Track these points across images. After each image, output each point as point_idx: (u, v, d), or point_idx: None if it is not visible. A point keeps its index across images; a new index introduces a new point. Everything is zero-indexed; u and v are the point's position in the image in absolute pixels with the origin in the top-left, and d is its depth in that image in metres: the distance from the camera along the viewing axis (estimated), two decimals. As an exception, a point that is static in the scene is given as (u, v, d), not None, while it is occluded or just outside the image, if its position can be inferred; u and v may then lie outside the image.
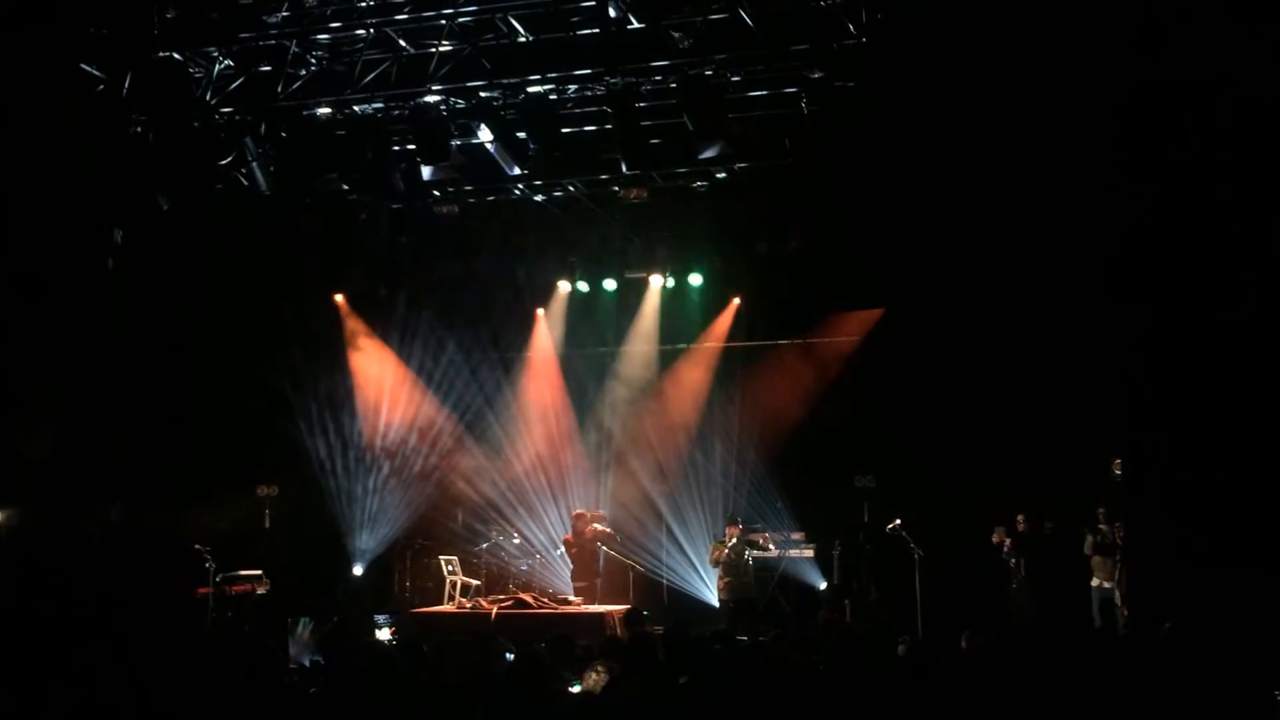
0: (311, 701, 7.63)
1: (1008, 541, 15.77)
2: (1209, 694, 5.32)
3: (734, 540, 15.68)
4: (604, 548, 16.67)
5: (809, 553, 17.25)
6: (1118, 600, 14.72)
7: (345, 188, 14.55)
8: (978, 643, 9.08)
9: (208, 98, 13.57)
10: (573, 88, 13.29)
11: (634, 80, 12.94)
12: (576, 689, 7.62)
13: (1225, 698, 5.35)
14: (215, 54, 13.43)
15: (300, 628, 11.73)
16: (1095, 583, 15.16)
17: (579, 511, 17.22)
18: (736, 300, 18.36)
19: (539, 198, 16.10)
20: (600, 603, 16.55)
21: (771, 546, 16.55)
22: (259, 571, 16.74)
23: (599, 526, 16.87)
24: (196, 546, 16.36)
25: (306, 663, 10.73)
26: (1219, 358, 12.57)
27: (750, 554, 15.80)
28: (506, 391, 19.00)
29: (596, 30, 12.61)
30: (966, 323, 15.61)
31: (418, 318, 18.74)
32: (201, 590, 16.23)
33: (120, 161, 13.89)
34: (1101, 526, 14.95)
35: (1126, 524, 14.24)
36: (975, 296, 15.48)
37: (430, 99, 13.28)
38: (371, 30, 12.91)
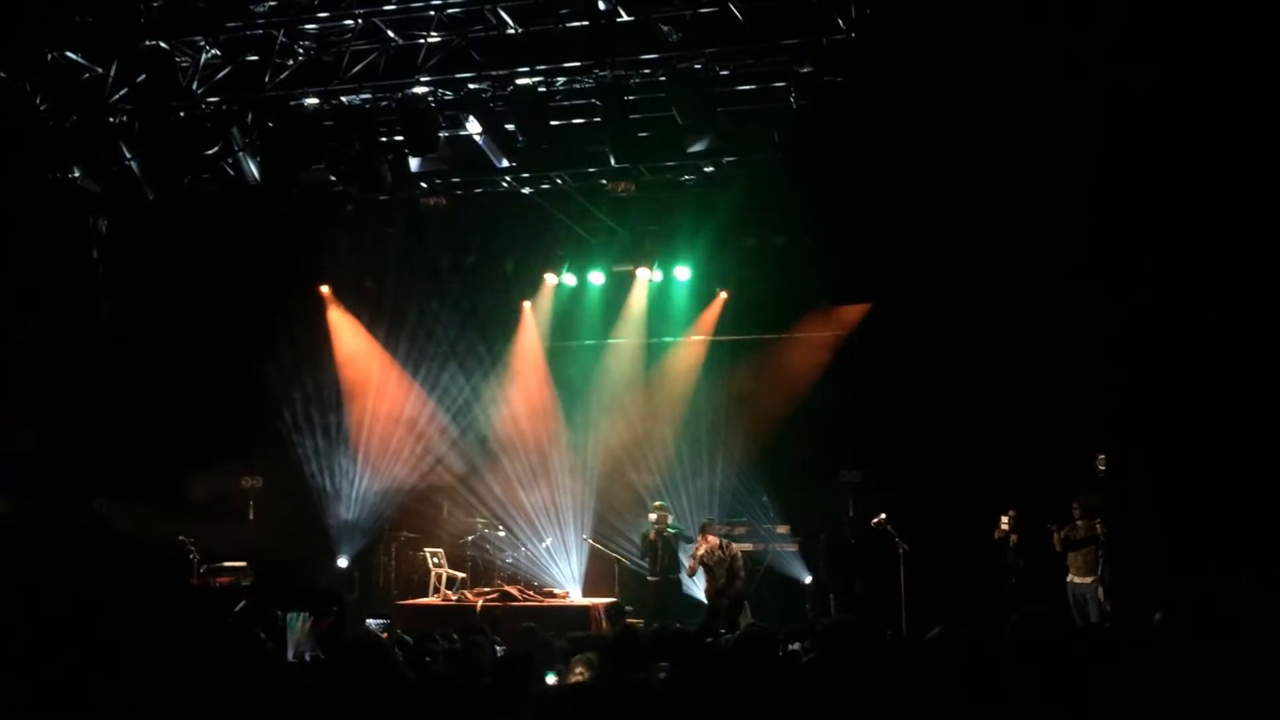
0: (300, 694, 7.60)
1: (1014, 537, 15.55)
2: (1202, 689, 5.34)
3: (703, 549, 15.72)
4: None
5: (794, 547, 17.27)
6: (1100, 596, 14.76)
7: (332, 178, 14.50)
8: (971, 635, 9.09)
9: (194, 87, 13.48)
10: (561, 80, 13.24)
11: (623, 73, 12.89)
12: (552, 679, 7.61)
13: (1219, 692, 5.37)
14: (202, 43, 13.32)
15: (299, 621, 11.67)
16: (1068, 578, 15.17)
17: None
18: (723, 294, 18.35)
19: (527, 190, 16.07)
20: (585, 596, 16.58)
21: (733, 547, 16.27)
22: (243, 563, 16.71)
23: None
24: (180, 538, 16.35)
25: (308, 657, 10.68)
26: (1204, 353, 12.62)
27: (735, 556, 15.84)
28: (493, 384, 18.97)
29: (586, 23, 12.58)
30: (953, 318, 15.63)
31: (404, 310, 18.70)
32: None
33: (105, 151, 13.81)
34: (1079, 522, 14.98)
35: (1111, 519, 14.28)
36: (962, 292, 15.52)
37: (418, 90, 13.22)
38: (359, 21, 12.83)
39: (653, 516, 16.47)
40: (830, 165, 14.20)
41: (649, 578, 16.46)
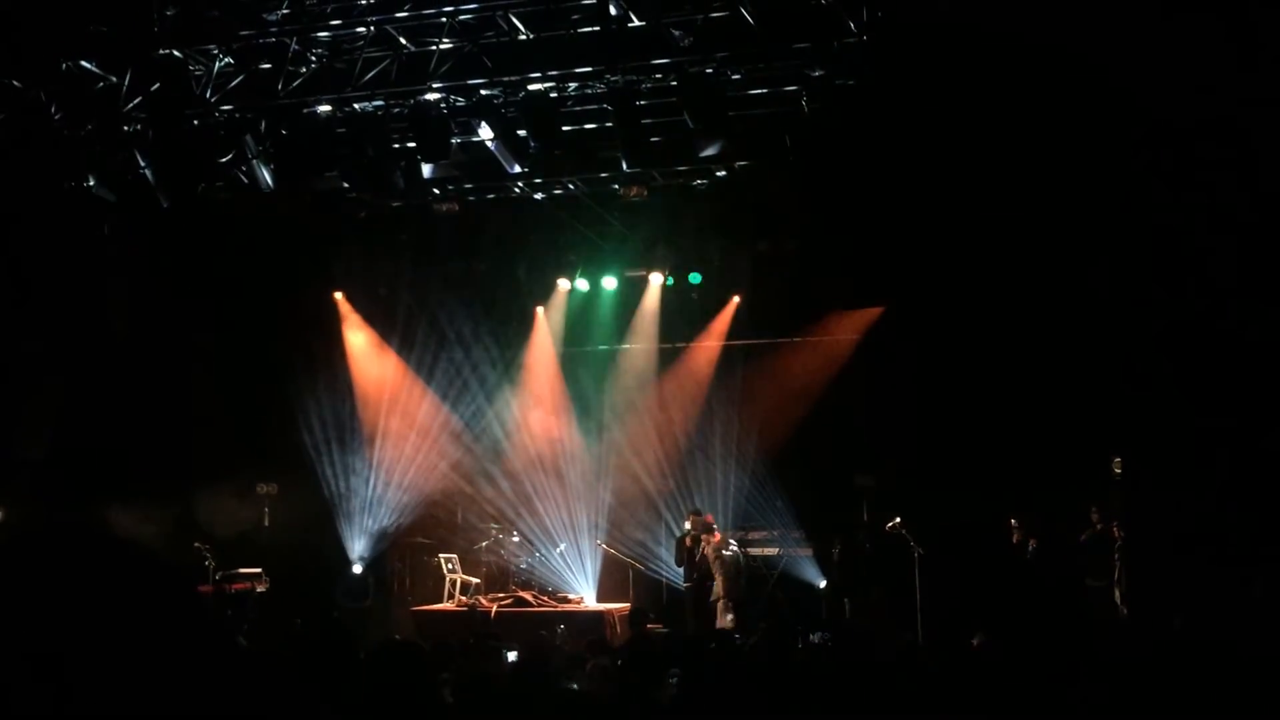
0: (308, 701, 7.58)
1: (1032, 541, 15.34)
2: (1217, 691, 5.31)
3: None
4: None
5: (808, 551, 17.21)
6: (1117, 598, 14.69)
7: (345, 185, 14.54)
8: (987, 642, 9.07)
9: (208, 95, 13.51)
10: (573, 85, 13.25)
11: (634, 78, 12.90)
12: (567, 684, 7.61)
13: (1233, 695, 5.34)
14: (215, 51, 13.37)
15: None
16: (1086, 581, 15.09)
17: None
18: (736, 299, 18.32)
19: (539, 196, 16.07)
20: (600, 601, 16.57)
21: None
22: (259, 570, 16.73)
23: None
24: (196, 545, 16.35)
25: None
26: (1220, 357, 12.60)
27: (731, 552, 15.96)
28: (506, 390, 18.96)
29: (597, 28, 12.59)
30: (966, 321, 15.57)
31: (417, 316, 18.71)
32: (201, 588, 16.20)
33: (120, 159, 13.85)
34: (1097, 526, 14.90)
35: (1127, 522, 14.23)
36: (975, 295, 15.46)
37: (430, 97, 13.25)
38: (372, 28, 12.86)
39: (688, 524, 16.45)
40: (842, 169, 14.19)
41: (684, 583, 16.44)
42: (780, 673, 7.58)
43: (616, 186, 15.55)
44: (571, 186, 15.81)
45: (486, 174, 14.95)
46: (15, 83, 13.34)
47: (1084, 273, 13.45)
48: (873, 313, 17.40)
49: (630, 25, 12.42)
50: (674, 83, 12.79)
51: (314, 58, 13.37)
